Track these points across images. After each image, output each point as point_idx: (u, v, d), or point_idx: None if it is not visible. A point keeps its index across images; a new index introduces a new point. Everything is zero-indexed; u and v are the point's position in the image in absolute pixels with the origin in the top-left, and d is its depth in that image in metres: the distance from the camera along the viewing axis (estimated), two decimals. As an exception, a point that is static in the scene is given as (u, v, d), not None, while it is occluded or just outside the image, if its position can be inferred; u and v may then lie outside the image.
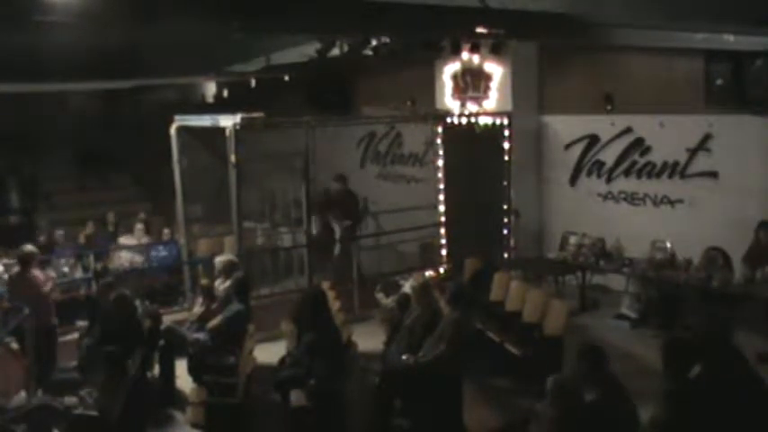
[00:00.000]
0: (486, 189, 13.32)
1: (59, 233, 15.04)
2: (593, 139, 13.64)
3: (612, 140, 13.36)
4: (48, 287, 10.01)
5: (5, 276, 11.57)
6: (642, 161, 13.08)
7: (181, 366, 9.42)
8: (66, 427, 7.87)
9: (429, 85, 14.90)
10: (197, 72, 16.32)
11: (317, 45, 12.30)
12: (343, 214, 13.75)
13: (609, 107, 13.26)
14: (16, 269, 10.30)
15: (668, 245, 11.75)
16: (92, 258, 14.03)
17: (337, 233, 13.76)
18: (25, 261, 9.96)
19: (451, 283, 9.71)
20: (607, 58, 13.25)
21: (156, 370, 9.42)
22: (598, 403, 5.94)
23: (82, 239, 15.51)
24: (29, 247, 10.47)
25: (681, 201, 12.67)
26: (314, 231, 13.00)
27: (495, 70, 13.85)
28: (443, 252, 13.64)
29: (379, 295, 9.89)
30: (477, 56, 13.78)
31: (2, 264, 12.46)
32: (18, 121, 17.62)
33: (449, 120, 13.73)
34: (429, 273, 12.65)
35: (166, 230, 15.13)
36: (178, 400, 9.26)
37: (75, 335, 10.91)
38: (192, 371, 9.20)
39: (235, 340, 9.09)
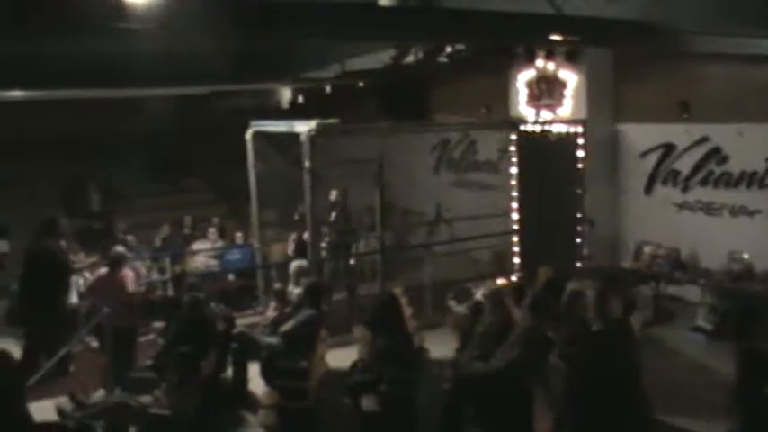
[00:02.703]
0: (560, 197, 13.21)
1: (129, 237, 15.30)
2: (668, 148, 13.45)
3: (689, 149, 13.17)
4: (135, 288, 10.23)
5: (87, 277, 11.84)
6: (719, 171, 12.85)
7: (253, 369, 9.49)
8: (142, 424, 8.01)
9: (503, 93, 14.85)
10: (273, 78, 16.48)
11: (392, 52, 12.35)
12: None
13: (685, 115, 13.06)
14: (103, 270, 10.52)
15: (745, 256, 11.55)
16: (168, 261, 14.27)
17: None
18: (115, 262, 10.18)
19: (529, 292, 9.64)
20: (683, 66, 13.03)
21: (229, 372, 9.52)
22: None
23: (158, 242, 15.77)
24: (119, 249, 10.71)
25: (759, 211, 12.38)
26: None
27: (570, 77, 13.73)
28: (516, 260, 13.58)
29: (452, 302, 9.83)
30: (552, 63, 13.69)
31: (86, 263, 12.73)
32: (98, 126, 17.99)
33: (523, 127, 13.68)
34: (501, 281, 12.60)
35: (239, 234, 15.31)
36: (250, 402, 9.36)
37: (152, 335, 11.12)
38: (264, 374, 9.27)
39: (307, 345, 9.12)
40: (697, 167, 13.09)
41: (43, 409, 7.90)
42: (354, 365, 8.79)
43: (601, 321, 7.96)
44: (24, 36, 9.60)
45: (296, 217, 14.32)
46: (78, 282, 12.08)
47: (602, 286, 8.59)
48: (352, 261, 13.83)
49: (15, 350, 10.07)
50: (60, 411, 8.84)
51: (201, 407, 8.07)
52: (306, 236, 13.29)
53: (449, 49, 12.57)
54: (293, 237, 14.28)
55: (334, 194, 14.54)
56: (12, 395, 6.03)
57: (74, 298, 12.00)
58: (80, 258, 13.02)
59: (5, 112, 16.34)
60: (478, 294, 9.50)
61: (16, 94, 13.70)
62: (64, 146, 17.57)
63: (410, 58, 12.69)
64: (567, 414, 7.45)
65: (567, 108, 13.84)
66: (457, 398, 8.02)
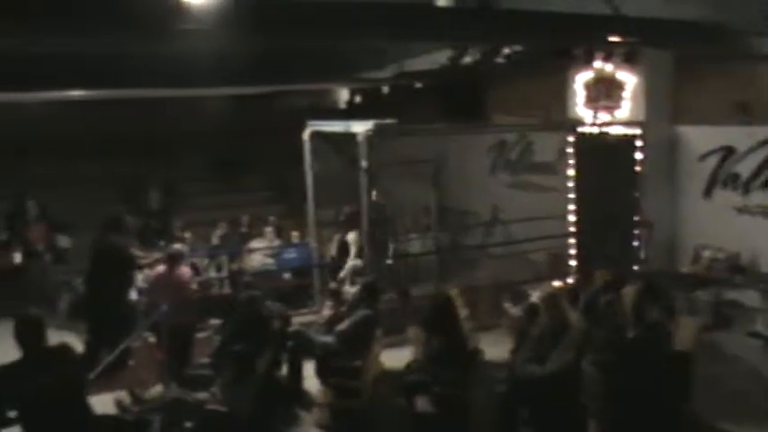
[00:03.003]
0: (618, 200, 13.10)
1: (188, 235, 15.49)
2: (728, 151, 13.24)
3: (750, 152, 12.96)
4: (193, 285, 10.36)
5: (147, 273, 12.01)
6: (782, 174, 12.66)
7: (308, 368, 9.56)
8: (198, 420, 8.10)
9: (561, 94, 14.74)
10: (330, 78, 16.54)
11: (450, 53, 12.33)
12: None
13: (746, 117, 12.86)
14: (161, 267, 10.67)
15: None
16: (225, 259, 14.41)
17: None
18: (173, 260, 10.32)
19: (585, 295, 9.60)
20: (744, 67, 12.82)
21: (284, 370, 9.59)
22: None
23: (215, 240, 15.94)
24: (176, 247, 10.86)
25: (822, 216, 12.20)
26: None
27: (629, 79, 13.58)
28: (572, 263, 13.50)
29: (507, 304, 9.82)
30: (610, 64, 13.57)
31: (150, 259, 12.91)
32: (159, 125, 18.25)
33: (580, 129, 13.59)
34: (557, 283, 12.54)
35: (295, 233, 15.40)
36: (305, 400, 9.42)
37: (208, 333, 11.24)
38: (319, 373, 9.33)
39: (362, 344, 9.17)
40: (758, 171, 12.87)
41: (103, 403, 8.04)
42: (409, 366, 8.83)
43: (636, 327, 7.89)
44: (87, 36, 9.76)
45: (341, 218, 14.34)
46: (137, 278, 12.26)
47: (640, 291, 8.52)
48: (389, 261, 13.86)
49: (77, 344, 10.26)
50: (119, 405, 9.00)
51: (256, 404, 8.14)
52: (349, 237, 13.37)
53: (506, 50, 12.52)
54: (336, 237, 14.35)
55: (374, 195, 14.59)
56: (73, 388, 6.17)
57: (133, 294, 12.19)
58: (138, 255, 13.22)
59: (69, 111, 16.67)
60: (534, 297, 9.48)
61: (79, 93, 13.90)
62: (125, 145, 17.85)
63: (468, 59, 12.66)
64: (605, 421, 7.44)
65: (625, 110, 13.69)
66: (511, 400, 8.01)
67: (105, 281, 10.79)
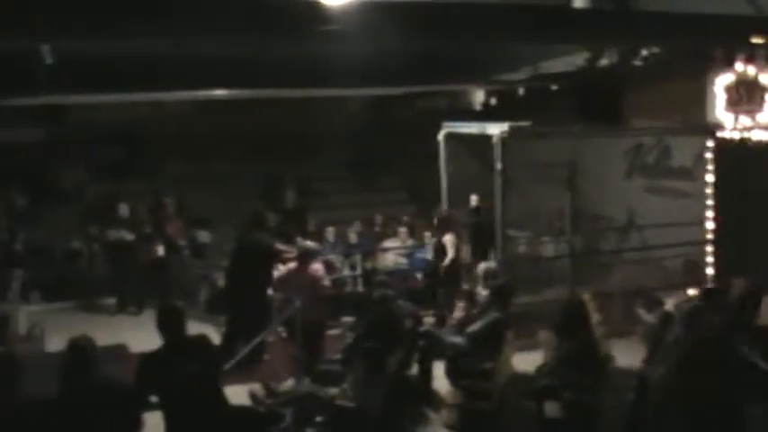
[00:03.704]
0: (760, 207, 12.71)
1: (329, 230, 15.76)
2: None
3: None
4: (325, 282, 10.55)
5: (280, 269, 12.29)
6: None
7: (438, 368, 9.60)
8: (329, 415, 8.25)
9: (700, 97, 14.37)
10: (466, 80, 16.56)
11: (586, 55, 12.19)
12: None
13: None
14: (292, 264, 10.90)
15: None
16: (358, 258, 14.59)
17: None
18: (304, 257, 10.54)
19: (722, 305, 9.35)
20: None
21: (415, 370, 9.66)
22: None
23: (351, 239, 16.16)
24: (307, 244, 11.09)
25: None
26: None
27: (773, 82, 13.21)
28: (709, 271, 13.17)
29: (641, 310, 9.66)
30: (753, 66, 13.18)
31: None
32: (297, 125, 18.61)
33: (720, 133, 13.24)
34: (693, 291, 12.25)
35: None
36: (434, 400, 9.48)
37: (340, 329, 11.43)
38: (449, 374, 9.36)
39: (493, 347, 9.15)
40: None
41: (237, 394, 8.28)
42: (540, 370, 8.77)
43: (689, 340, 7.62)
44: (228, 37, 10.03)
45: (435, 221, 14.34)
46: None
47: (696, 303, 8.24)
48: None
49: (214, 336, 10.61)
50: (253, 397, 9.24)
51: (386, 402, 8.23)
52: (445, 239, 13.38)
53: (644, 52, 12.31)
54: (433, 239, 14.39)
55: (474, 200, 14.58)
56: (211, 377, 6.39)
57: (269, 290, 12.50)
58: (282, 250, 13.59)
59: (210, 110, 17.16)
60: (669, 304, 9.30)
61: (220, 93, 14.29)
62: (264, 143, 18.27)
63: (604, 61, 12.50)
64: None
65: (767, 114, 13.30)
66: (642, 410, 7.88)
67: (247, 275, 11.10)
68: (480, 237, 14.25)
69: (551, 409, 7.81)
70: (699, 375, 7.19)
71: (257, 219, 11.52)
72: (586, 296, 10.10)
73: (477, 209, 14.63)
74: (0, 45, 10.31)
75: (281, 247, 11.71)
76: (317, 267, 10.68)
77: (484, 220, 14.24)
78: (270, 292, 11.51)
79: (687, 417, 7.21)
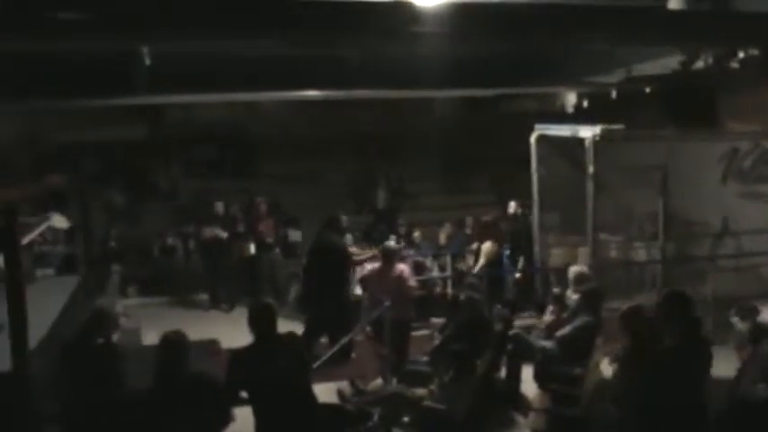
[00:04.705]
0: None
1: (416, 234, 15.81)
2: None
3: None
4: (411, 282, 10.60)
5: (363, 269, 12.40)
6: None
7: (527, 372, 9.56)
8: (415, 416, 8.28)
9: (802, 101, 14.05)
10: (558, 82, 16.43)
11: (681, 57, 11.99)
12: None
13: None
14: (377, 264, 10.99)
15: None
16: (448, 259, 14.59)
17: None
18: (387, 257, 10.60)
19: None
20: None
21: (503, 373, 9.63)
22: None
23: (442, 240, 16.19)
24: (391, 244, 11.17)
25: None
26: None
27: None
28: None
29: (735, 319, 9.46)
30: None
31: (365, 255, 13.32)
32: (389, 126, 18.69)
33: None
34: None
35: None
36: (522, 404, 9.43)
37: (429, 330, 11.45)
38: (538, 378, 9.32)
39: (582, 352, 9.08)
40: None
41: (325, 392, 8.37)
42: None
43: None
44: (322, 38, 10.13)
45: (477, 228, 14.32)
46: (352, 274, 12.71)
47: (634, 305, 8.02)
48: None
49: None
50: (341, 395, 9.34)
51: (474, 404, 8.23)
52: (484, 246, 13.33)
53: (741, 54, 12.04)
54: (474, 246, 14.41)
55: (512, 206, 14.47)
56: (300, 374, 6.48)
57: (357, 290, 12.61)
58: (354, 253, 13.75)
59: (304, 111, 17.35)
60: (765, 314, 9.09)
61: (314, 93, 14.43)
62: (356, 144, 18.41)
63: (699, 64, 12.27)
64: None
65: None
66: (733, 423, 7.73)
67: (322, 276, 11.26)
68: (518, 243, 14.32)
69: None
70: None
71: (333, 222, 11.69)
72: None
73: (515, 216, 14.60)
74: (105, 47, 10.60)
75: (352, 249, 11.81)
76: (402, 268, 10.71)
77: (521, 227, 14.33)
78: (350, 291, 11.68)
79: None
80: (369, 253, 13.21)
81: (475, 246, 14.28)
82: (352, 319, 11.04)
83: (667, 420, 6.86)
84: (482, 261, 13.50)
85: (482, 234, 13.95)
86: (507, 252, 14.56)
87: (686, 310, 6.96)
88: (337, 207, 13.70)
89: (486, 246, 13.56)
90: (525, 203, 14.35)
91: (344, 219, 12.10)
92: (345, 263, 11.63)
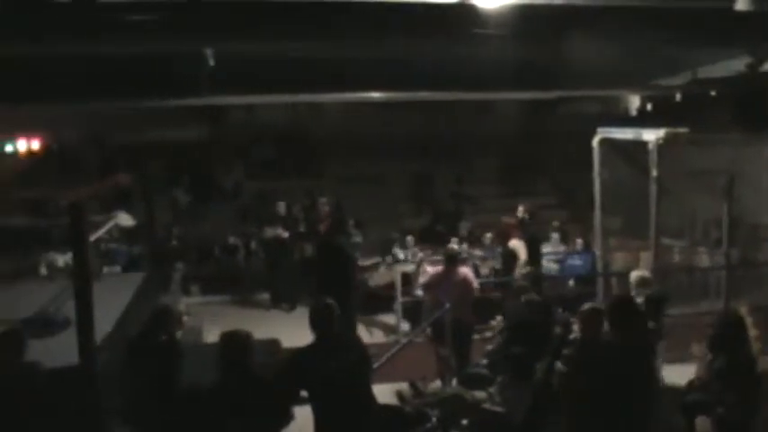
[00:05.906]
0: None
1: (487, 235, 15.79)
2: None
3: None
4: (474, 285, 10.62)
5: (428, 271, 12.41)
6: None
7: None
8: (474, 419, 8.26)
9: None
10: (621, 85, 16.28)
11: (748, 59, 11.83)
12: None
13: None
14: (440, 267, 11.00)
15: None
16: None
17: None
18: (449, 260, 10.62)
19: None
20: None
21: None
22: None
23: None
24: (453, 247, 11.20)
25: None
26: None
27: None
28: None
29: (800, 326, 9.33)
30: None
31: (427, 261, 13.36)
32: (449, 128, 18.68)
33: None
34: None
35: (579, 240, 15.29)
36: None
37: (489, 333, 11.43)
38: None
39: (642, 356, 8.99)
40: None
41: (385, 392, 8.40)
42: (691, 384, 8.57)
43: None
44: (383, 41, 10.17)
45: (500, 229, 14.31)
46: (420, 276, 12.75)
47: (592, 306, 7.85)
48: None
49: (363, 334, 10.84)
50: (400, 396, 9.35)
51: (532, 408, 8.19)
52: (512, 243, 13.28)
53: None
54: (499, 249, 14.49)
55: (521, 210, 14.37)
56: (360, 375, 6.52)
57: (418, 291, 12.62)
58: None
59: (365, 112, 17.41)
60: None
61: (376, 95, 14.46)
62: (417, 146, 18.42)
63: (766, 66, 12.07)
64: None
65: None
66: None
67: (328, 276, 11.43)
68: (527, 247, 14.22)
69: (702, 424, 7.63)
70: None
71: (340, 224, 11.85)
72: (743, 310, 9.82)
73: (522, 220, 14.65)
74: (170, 49, 10.76)
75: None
76: (465, 270, 10.73)
77: (529, 231, 14.37)
78: (419, 293, 11.71)
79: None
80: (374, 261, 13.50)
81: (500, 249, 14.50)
82: (355, 321, 11.17)
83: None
84: (524, 259, 13.44)
85: (503, 235, 13.99)
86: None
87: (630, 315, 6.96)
88: (396, 208, 13.76)
89: (515, 243, 13.59)
90: (533, 208, 14.38)
91: (351, 222, 12.18)
92: (347, 265, 11.78)
